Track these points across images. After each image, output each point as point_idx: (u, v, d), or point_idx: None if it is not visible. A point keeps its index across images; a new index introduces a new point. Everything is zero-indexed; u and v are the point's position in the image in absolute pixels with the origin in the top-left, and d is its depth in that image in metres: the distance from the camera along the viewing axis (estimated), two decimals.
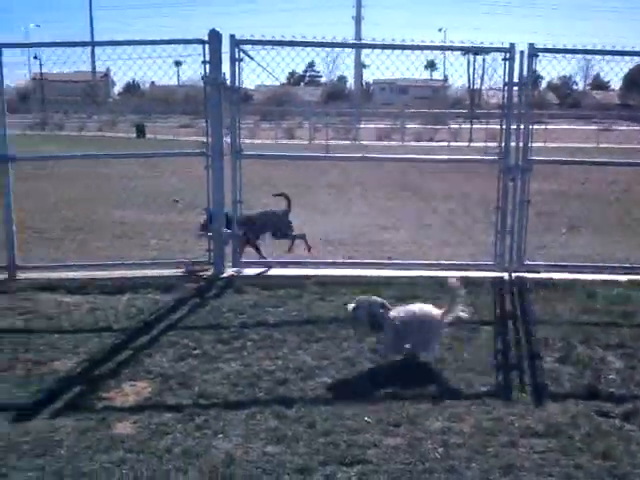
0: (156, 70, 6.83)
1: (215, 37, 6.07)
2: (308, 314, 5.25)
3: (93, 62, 9.06)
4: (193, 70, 6.68)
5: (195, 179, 6.34)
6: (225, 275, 6.24)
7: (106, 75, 57.59)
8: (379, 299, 4.43)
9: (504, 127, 6.21)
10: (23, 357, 4.41)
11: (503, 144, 6.23)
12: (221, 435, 3.40)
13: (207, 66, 6.11)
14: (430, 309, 4.33)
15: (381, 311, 4.32)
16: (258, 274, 6.24)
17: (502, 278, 6.23)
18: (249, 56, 6.46)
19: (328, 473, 3.05)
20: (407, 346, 4.35)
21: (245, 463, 3.14)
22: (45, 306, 5.49)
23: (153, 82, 49.51)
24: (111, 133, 37.21)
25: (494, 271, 6.31)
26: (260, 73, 6.74)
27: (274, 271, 6.34)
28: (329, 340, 4.68)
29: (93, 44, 7.40)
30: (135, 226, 7.29)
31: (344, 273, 6.29)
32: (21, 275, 6.24)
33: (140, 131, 35.42)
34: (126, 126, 38.81)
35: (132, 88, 66.58)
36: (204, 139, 6.26)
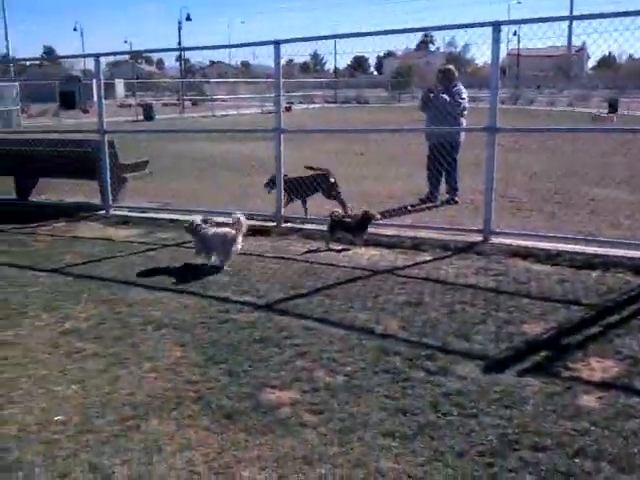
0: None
1: None
2: None
3: (569, 36, 8.89)
4: None
5: None
6: None
7: (581, 49, 56.36)
8: (200, 218, 6.22)
9: None
10: (494, 315, 4.71)
11: None
12: None
13: None
14: (228, 230, 5.99)
15: (197, 227, 6.11)
16: None
17: None
18: None
19: None
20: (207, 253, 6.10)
21: None
22: (515, 271, 5.75)
23: (630, 55, 46.66)
24: (581, 108, 36.24)
25: None
26: None
27: None
28: None
29: (571, 18, 7.26)
30: (608, 204, 7.02)
31: None
32: (494, 240, 6.62)
33: (612, 106, 33.69)
34: (596, 101, 37.34)
35: (607, 61, 63.61)
36: None
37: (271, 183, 8.09)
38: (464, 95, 8.92)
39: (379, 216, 6.86)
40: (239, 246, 6.08)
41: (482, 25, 6.50)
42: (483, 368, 3.88)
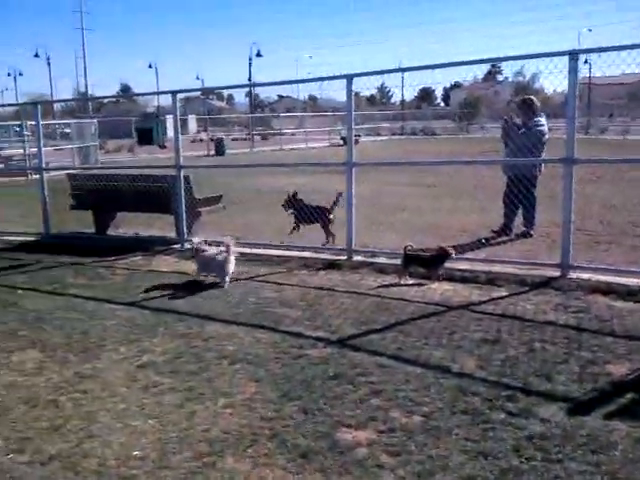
0: None
1: None
2: None
3: None
4: None
5: None
6: None
7: None
8: (196, 242, 7.15)
9: None
10: (577, 354, 4.53)
11: None
12: None
13: None
14: (221, 252, 6.82)
15: (198, 250, 7.01)
16: None
17: None
18: None
19: None
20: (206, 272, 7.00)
21: None
22: (596, 308, 5.55)
23: None
24: None
25: None
26: None
27: None
28: None
29: None
30: None
31: None
32: (572, 274, 6.41)
33: None
34: None
35: None
36: None
37: (287, 204, 8.75)
38: (542, 127, 8.69)
39: (454, 254, 6.72)
40: (232, 266, 6.84)
41: (556, 55, 6.40)
42: (567, 410, 3.72)
